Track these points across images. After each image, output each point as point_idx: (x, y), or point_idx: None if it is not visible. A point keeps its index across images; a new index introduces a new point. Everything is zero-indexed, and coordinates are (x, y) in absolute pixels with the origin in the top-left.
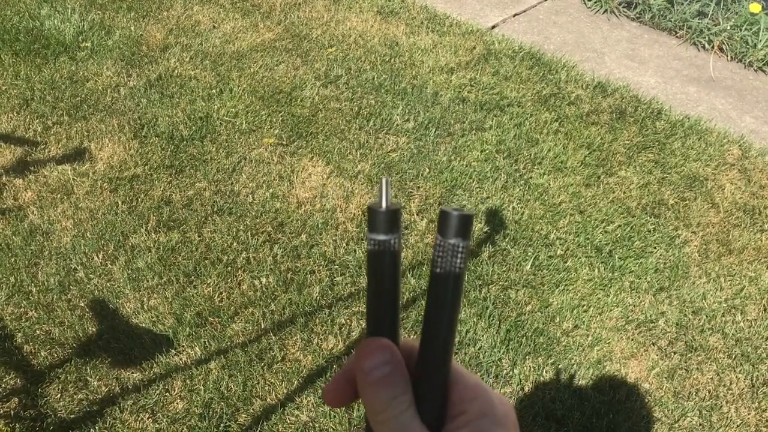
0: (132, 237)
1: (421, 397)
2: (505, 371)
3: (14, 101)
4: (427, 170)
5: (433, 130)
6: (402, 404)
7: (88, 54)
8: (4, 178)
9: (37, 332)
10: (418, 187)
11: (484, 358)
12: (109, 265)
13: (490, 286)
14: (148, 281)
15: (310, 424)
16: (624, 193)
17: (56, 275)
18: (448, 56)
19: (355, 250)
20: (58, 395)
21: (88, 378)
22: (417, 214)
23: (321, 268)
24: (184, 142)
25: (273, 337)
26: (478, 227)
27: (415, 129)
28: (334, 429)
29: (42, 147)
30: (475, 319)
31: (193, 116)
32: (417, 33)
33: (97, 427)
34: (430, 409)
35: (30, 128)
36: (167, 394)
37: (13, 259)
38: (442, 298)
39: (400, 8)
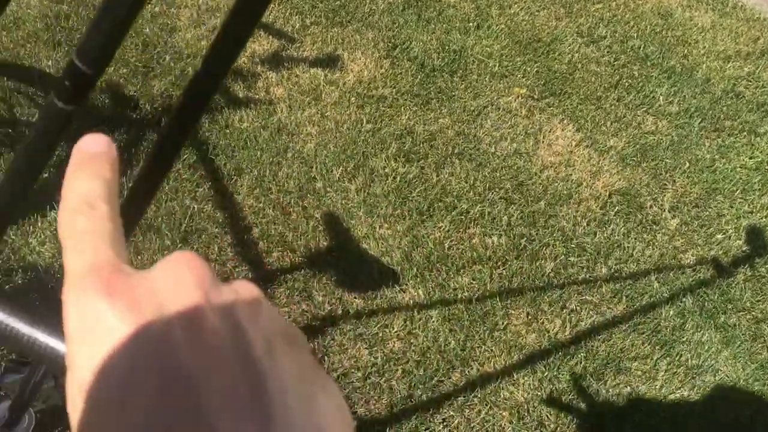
0: (372, 160)
1: None
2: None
3: None
4: (687, 164)
5: (699, 120)
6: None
7: None
8: (259, 68)
9: (272, 232)
10: (674, 181)
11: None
12: (347, 183)
13: (741, 313)
14: (382, 209)
15: (525, 407)
16: None
17: (296, 179)
18: (727, 41)
19: (595, 233)
20: (284, 300)
21: (313, 291)
22: (668, 211)
23: (557, 242)
24: (435, 72)
25: (498, 303)
26: (737, 244)
27: (679, 114)
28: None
29: (297, 45)
30: (719, 346)
31: (447, 47)
32: (695, 8)
33: (317, 342)
34: None
35: (288, 23)
36: (386, 330)
37: (258, 152)
38: None
39: None
